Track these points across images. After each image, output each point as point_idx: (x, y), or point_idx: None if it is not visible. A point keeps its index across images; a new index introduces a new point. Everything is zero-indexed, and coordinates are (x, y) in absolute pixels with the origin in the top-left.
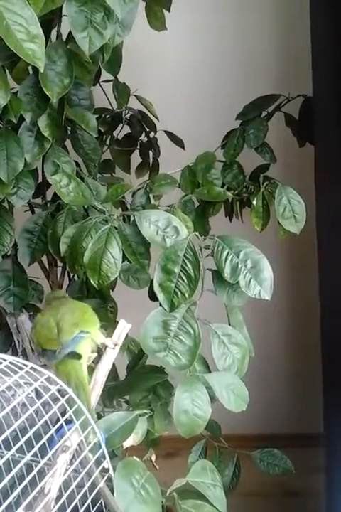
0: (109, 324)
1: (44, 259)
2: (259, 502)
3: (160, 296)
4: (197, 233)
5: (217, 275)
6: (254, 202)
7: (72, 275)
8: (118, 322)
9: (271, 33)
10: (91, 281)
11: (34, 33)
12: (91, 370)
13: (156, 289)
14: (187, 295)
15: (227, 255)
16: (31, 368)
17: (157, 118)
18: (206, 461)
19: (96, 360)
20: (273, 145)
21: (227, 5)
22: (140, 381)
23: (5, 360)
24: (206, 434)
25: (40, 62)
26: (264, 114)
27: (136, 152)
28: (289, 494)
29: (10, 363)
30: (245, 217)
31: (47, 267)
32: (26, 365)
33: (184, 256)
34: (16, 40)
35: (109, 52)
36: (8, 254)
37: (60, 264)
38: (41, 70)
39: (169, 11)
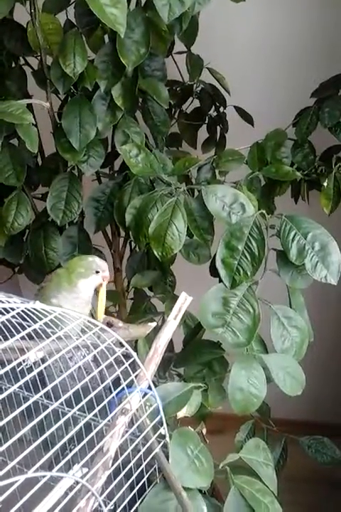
0: (166, 297)
1: (107, 229)
2: (304, 488)
3: (222, 272)
4: (264, 211)
5: (282, 256)
6: (325, 183)
7: (133, 246)
8: (176, 296)
9: None
10: (155, 253)
11: None
12: (150, 339)
13: (218, 264)
14: (249, 273)
15: (294, 236)
16: (100, 329)
17: (228, 92)
18: (259, 440)
19: (157, 330)
20: None
21: None
22: (196, 355)
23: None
24: (255, 415)
25: (121, 27)
26: None
27: (203, 127)
28: (334, 484)
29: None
30: (311, 200)
31: (110, 236)
32: (97, 326)
33: (249, 234)
34: (100, 5)
35: (187, 21)
36: (75, 221)
37: (122, 234)
38: (122, 35)
39: None
